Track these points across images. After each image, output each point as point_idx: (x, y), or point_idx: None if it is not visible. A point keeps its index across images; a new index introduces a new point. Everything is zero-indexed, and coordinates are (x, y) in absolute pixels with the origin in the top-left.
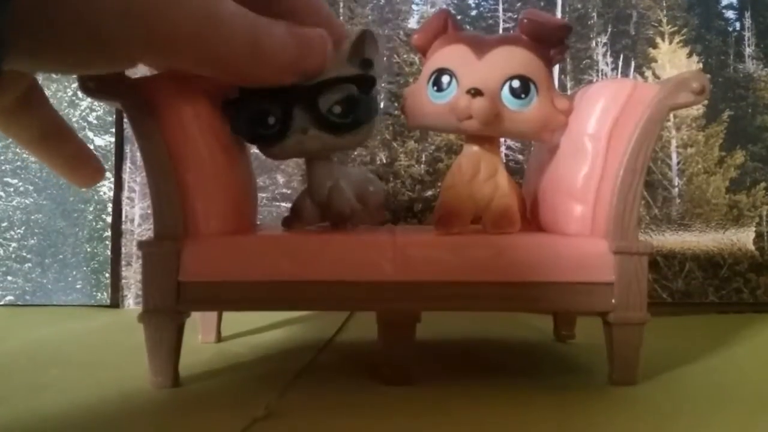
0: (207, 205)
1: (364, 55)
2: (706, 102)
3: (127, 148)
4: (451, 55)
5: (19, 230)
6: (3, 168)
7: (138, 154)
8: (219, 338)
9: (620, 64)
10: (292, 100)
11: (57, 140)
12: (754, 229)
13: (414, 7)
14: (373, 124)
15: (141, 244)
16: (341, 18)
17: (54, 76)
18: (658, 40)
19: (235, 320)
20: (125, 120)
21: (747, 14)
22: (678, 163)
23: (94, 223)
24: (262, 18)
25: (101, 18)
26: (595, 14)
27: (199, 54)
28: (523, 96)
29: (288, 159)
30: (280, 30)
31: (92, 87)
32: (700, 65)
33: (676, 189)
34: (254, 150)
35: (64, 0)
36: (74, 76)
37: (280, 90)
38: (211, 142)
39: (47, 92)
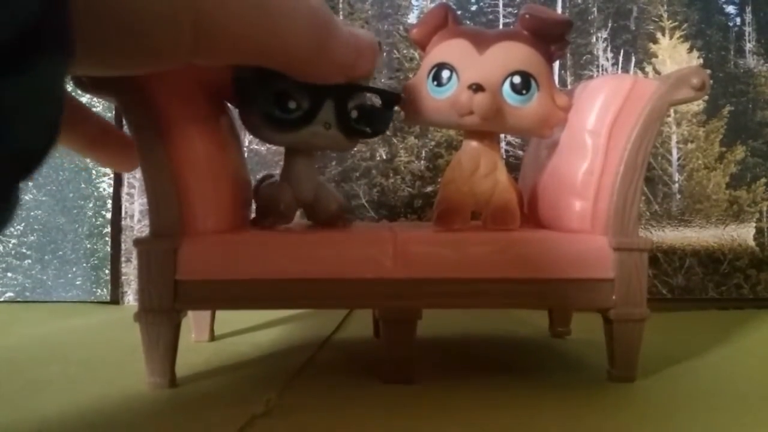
0: (204, 202)
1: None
2: (706, 97)
3: None
4: (451, 49)
5: (18, 227)
6: None
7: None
8: (212, 337)
9: (620, 59)
10: (324, 94)
11: (103, 143)
12: (754, 224)
13: (414, 2)
14: None
15: (137, 242)
16: (340, 13)
17: None
18: (659, 35)
19: (230, 319)
20: None
21: (748, 9)
22: (678, 158)
23: (93, 220)
24: (329, 14)
25: (146, 23)
26: (595, 9)
27: (253, 51)
28: (524, 92)
29: (281, 146)
30: (344, 30)
31: (86, 82)
32: (701, 60)
33: (677, 185)
34: (252, 146)
35: (109, 5)
36: None
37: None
38: (207, 138)
39: None
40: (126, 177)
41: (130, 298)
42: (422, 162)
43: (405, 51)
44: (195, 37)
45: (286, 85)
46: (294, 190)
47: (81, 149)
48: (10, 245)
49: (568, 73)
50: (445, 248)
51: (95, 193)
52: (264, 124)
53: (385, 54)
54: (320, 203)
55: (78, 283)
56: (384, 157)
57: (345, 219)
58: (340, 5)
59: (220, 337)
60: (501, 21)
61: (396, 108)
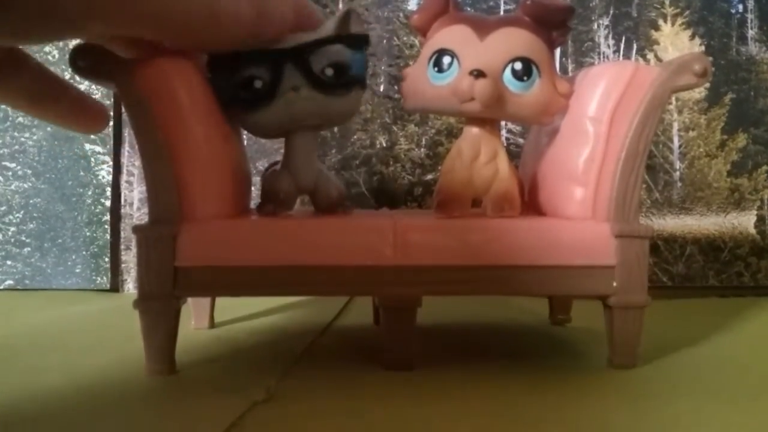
0: (203, 188)
1: (348, 32)
2: (708, 85)
3: (126, 132)
4: (452, 35)
5: (18, 214)
6: (1, 152)
7: None
8: (212, 324)
9: (622, 46)
10: (282, 60)
11: (50, 99)
12: (755, 212)
13: None
14: (363, 91)
15: (136, 229)
16: (340, 2)
17: (51, 59)
18: (661, 22)
19: (230, 306)
20: None
21: None
22: (679, 146)
23: (93, 207)
24: None
25: None
26: None
27: (149, 22)
28: (525, 78)
29: (274, 135)
30: None
31: (83, 67)
32: (703, 47)
33: (678, 172)
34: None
35: None
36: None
37: (267, 52)
38: (206, 124)
39: None
40: (125, 165)
41: (130, 286)
42: (422, 150)
43: (405, 38)
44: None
45: (245, 70)
46: (294, 177)
47: (18, 106)
48: (10, 233)
49: (569, 60)
50: (445, 236)
51: (94, 181)
52: (243, 113)
53: (385, 41)
54: (321, 191)
55: (77, 270)
56: (384, 144)
57: (345, 206)
58: None
59: (219, 324)
60: (502, 7)
61: (385, 81)
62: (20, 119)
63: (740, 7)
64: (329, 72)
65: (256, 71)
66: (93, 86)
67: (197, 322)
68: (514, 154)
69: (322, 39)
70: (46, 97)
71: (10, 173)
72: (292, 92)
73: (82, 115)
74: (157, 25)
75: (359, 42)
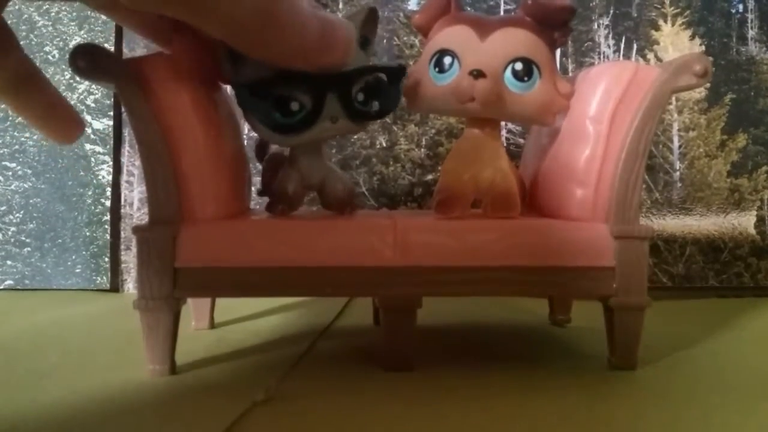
0: (203, 189)
1: (365, 33)
2: (708, 85)
3: (126, 132)
4: (453, 35)
5: (18, 214)
6: (1, 152)
7: None
8: (212, 325)
9: (622, 46)
10: (326, 88)
11: (30, 88)
12: (755, 213)
13: None
14: None
15: (136, 229)
16: (340, 2)
17: (51, 59)
18: (661, 22)
19: (230, 306)
20: None
21: None
22: (679, 146)
23: (93, 207)
24: None
25: None
26: None
27: (212, 14)
28: (525, 78)
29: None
30: (304, 5)
31: (83, 67)
32: (703, 48)
33: (678, 173)
34: (252, 133)
35: None
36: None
37: (311, 76)
38: (206, 125)
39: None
40: (125, 165)
41: (130, 286)
42: (422, 150)
43: (405, 38)
44: None
45: (284, 88)
46: (302, 175)
47: (33, 119)
48: (10, 233)
49: (569, 60)
50: (445, 236)
51: (94, 181)
52: (270, 131)
53: (385, 41)
54: (328, 188)
55: (78, 270)
56: (384, 145)
57: (353, 205)
58: None
59: (220, 325)
60: (502, 7)
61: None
62: (20, 119)
63: (740, 7)
64: (360, 97)
65: (296, 94)
66: (93, 86)
67: (197, 322)
68: (514, 154)
69: (368, 68)
70: (27, 87)
71: (10, 173)
72: (330, 122)
73: (58, 117)
74: (216, 26)
75: (397, 74)
